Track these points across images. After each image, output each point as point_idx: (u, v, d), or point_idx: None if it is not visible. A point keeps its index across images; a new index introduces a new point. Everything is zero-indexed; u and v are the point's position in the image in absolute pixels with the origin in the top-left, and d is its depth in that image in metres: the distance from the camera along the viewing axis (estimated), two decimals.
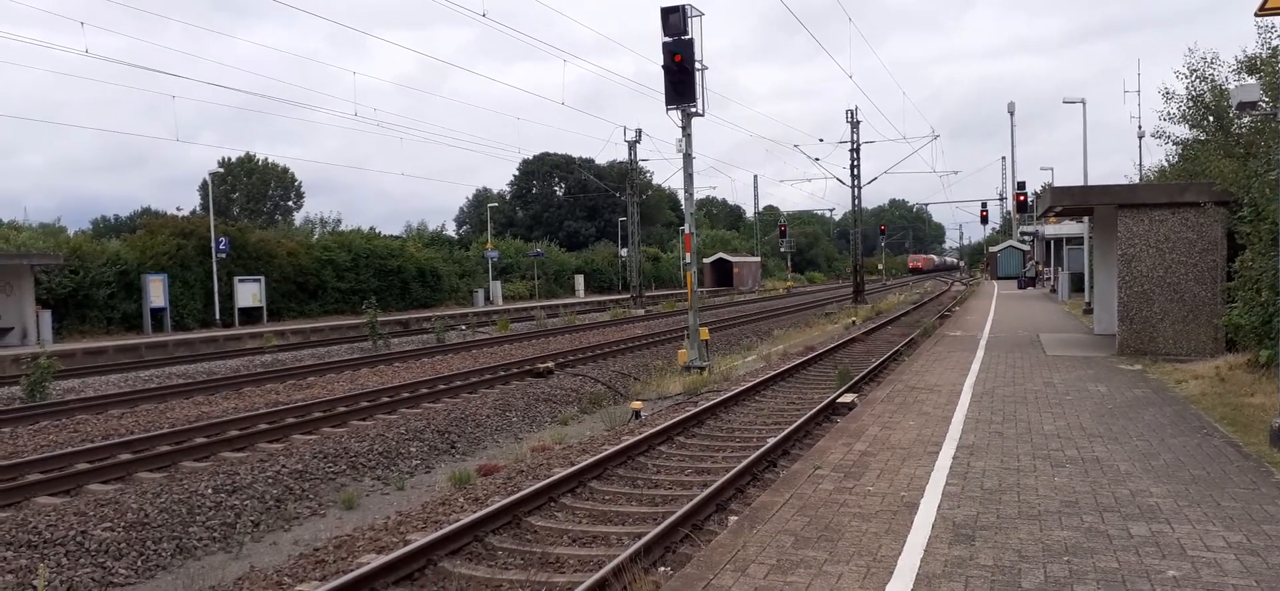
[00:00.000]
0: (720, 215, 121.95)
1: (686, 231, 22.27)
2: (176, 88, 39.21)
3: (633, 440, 11.75)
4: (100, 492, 10.70)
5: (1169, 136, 26.34)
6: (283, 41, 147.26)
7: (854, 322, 33.29)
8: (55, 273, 33.59)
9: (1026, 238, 60.50)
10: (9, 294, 30.96)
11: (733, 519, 7.96)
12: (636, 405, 15.87)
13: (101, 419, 15.84)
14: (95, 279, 34.93)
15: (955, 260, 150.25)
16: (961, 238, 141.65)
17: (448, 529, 8.06)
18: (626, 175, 56.15)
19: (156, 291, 35.73)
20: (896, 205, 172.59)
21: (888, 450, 9.26)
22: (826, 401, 14.03)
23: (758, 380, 17.44)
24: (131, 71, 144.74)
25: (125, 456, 12.31)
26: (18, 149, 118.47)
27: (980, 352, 18.38)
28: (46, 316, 31.62)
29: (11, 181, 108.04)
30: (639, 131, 51.66)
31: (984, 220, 75.18)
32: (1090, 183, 33.68)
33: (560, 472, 10.16)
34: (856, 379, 16.82)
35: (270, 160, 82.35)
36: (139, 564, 8.95)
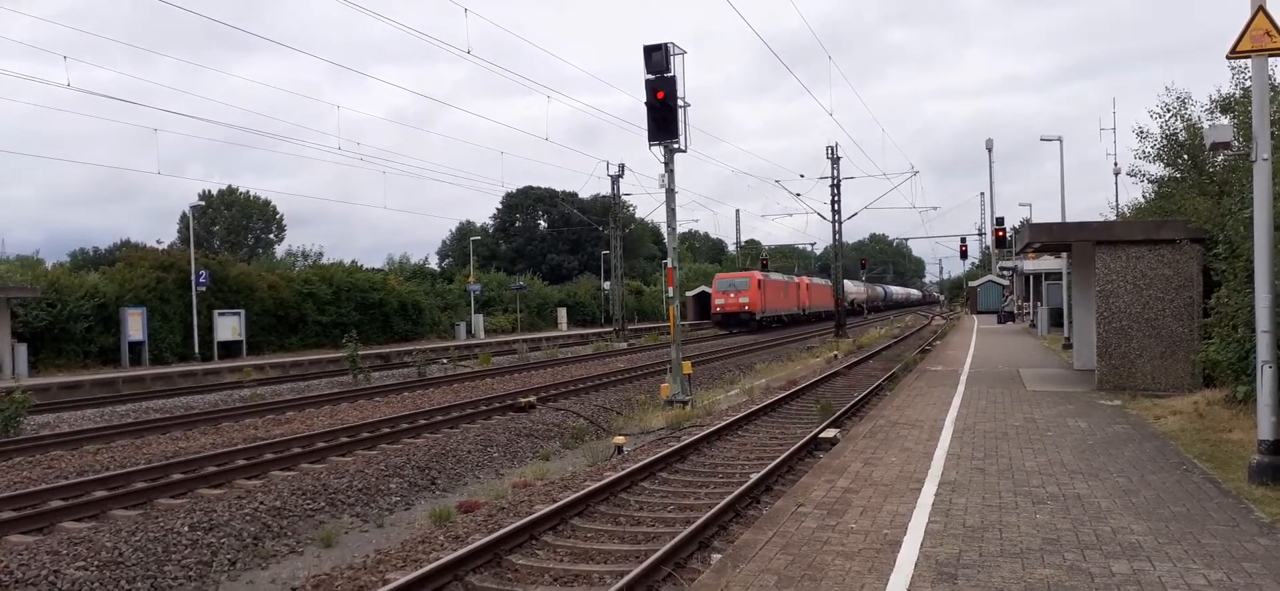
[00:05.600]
0: (703, 249, 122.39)
1: (669, 265, 22.32)
2: (160, 121, 39.26)
3: (615, 476, 11.69)
4: (74, 530, 10.53)
5: (1144, 174, 26.71)
6: (279, 77, 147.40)
7: (836, 356, 33.38)
8: (32, 305, 33.25)
9: (1006, 273, 60.99)
10: None
11: (716, 557, 7.93)
12: (619, 440, 15.82)
13: (76, 454, 15.62)
14: (73, 312, 34.59)
15: (933, 292, 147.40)
16: (942, 272, 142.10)
17: (427, 568, 7.97)
18: (609, 209, 56.27)
19: (135, 325, 35.44)
20: (877, 239, 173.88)
21: (870, 487, 9.26)
22: (809, 436, 14.03)
23: (740, 414, 17.43)
24: (118, 105, 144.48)
25: (100, 493, 12.13)
26: (3, 181, 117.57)
27: (961, 387, 18.45)
28: (22, 349, 31.28)
29: None
30: (622, 166, 51.84)
31: (963, 255, 75.49)
32: (1069, 219, 34.06)
33: (542, 509, 10.08)
34: (838, 414, 16.84)
35: (254, 193, 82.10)
36: None
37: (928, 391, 18.06)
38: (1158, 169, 25.62)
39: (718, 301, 56.23)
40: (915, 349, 35.75)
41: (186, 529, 10.53)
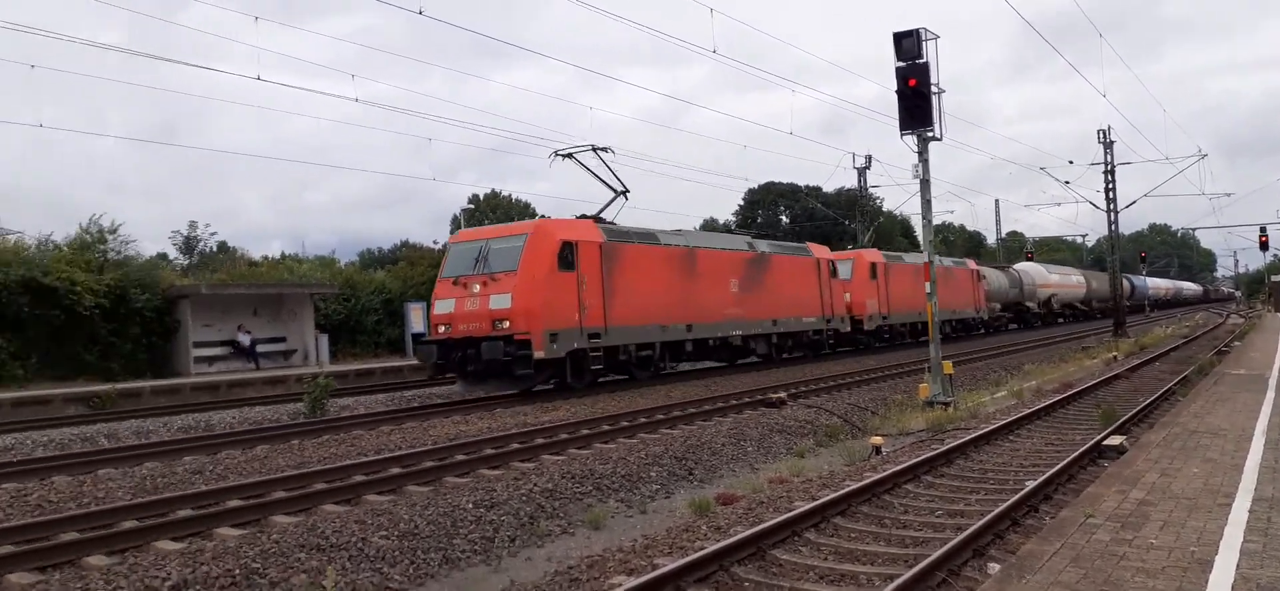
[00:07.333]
0: (958, 241, 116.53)
1: (925, 259, 21.44)
2: (433, 130, 42.76)
3: (876, 477, 11.39)
4: (376, 503, 11.63)
5: None
6: (535, 83, 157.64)
7: (1115, 357, 30.74)
8: (330, 300, 37.29)
9: None
10: (293, 319, 34.75)
11: (994, 567, 7.53)
12: (876, 441, 15.40)
13: (373, 434, 17.27)
14: (364, 306, 38.43)
15: (1222, 288, 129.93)
16: (1237, 265, 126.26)
17: (694, 556, 8.13)
18: (855, 202, 54.97)
19: (417, 318, 38.75)
20: (1157, 230, 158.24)
21: (1170, 499, 8.43)
22: (1091, 443, 12.98)
23: (1009, 418, 16.44)
24: (397, 117, 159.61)
25: (396, 470, 13.32)
26: (305, 189, 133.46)
27: (1271, 393, 16.39)
28: (324, 340, 35.16)
29: (297, 219, 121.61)
30: (868, 158, 50.67)
31: (1263, 246, 67.00)
32: None
33: (802, 506, 10.00)
34: (1124, 419, 15.46)
35: (516, 196, 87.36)
36: (411, 571, 9.66)
37: (1229, 396, 16.20)
38: None
39: (439, 308, 22.59)
40: (1209, 350, 32.21)
41: (471, 506, 11.37)
